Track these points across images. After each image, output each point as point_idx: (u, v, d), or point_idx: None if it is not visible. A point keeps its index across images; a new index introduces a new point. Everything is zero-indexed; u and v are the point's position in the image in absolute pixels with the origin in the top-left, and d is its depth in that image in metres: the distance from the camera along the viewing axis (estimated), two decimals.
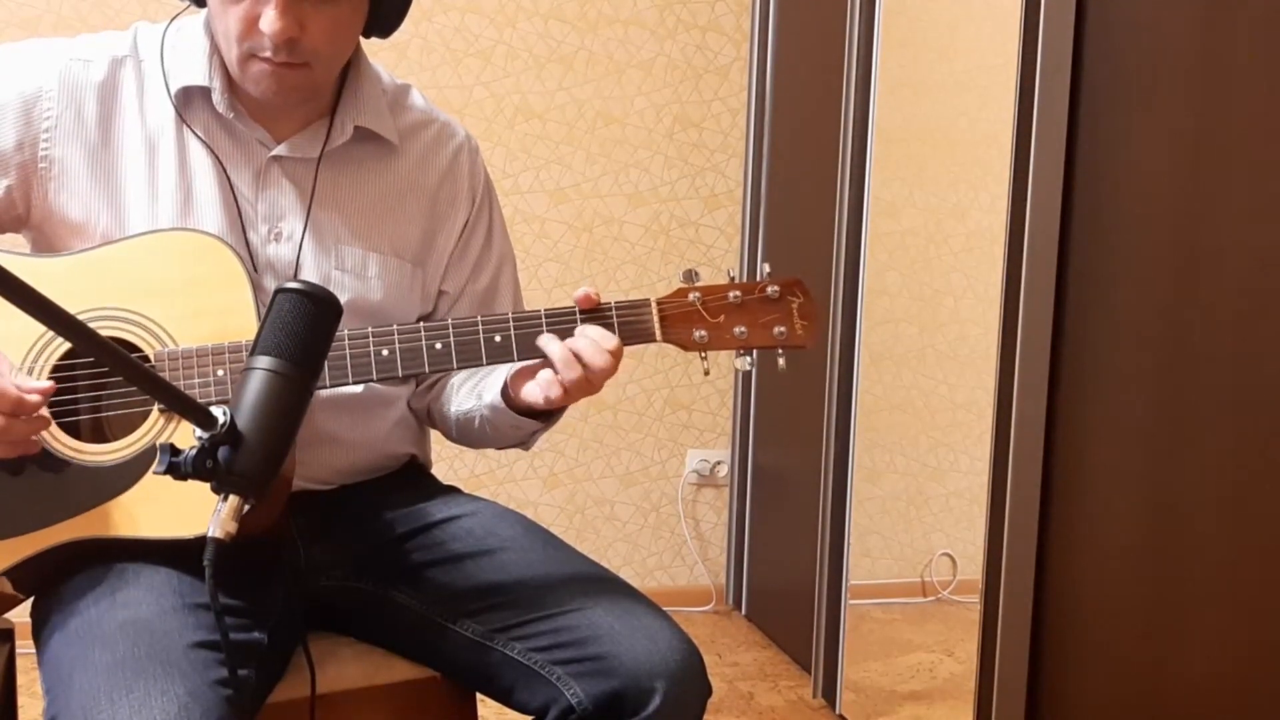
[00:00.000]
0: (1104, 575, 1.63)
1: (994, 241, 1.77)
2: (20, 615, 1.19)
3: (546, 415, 1.24)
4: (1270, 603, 1.35)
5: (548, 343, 1.14)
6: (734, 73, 2.90)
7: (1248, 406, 1.39)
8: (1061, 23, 1.66)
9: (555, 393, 1.14)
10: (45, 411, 1.07)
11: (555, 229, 2.83)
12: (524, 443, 1.31)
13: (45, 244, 1.22)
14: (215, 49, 1.20)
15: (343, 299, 1.23)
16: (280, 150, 1.23)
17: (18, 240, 1.26)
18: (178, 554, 1.10)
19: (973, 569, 1.84)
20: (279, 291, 0.85)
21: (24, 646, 1.21)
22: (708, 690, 1.16)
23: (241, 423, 0.80)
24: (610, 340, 1.14)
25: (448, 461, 2.78)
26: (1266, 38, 1.36)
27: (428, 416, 1.39)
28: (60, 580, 1.12)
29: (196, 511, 1.05)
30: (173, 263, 1.14)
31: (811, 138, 2.55)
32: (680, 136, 2.88)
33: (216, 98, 1.21)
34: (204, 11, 1.20)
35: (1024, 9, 1.69)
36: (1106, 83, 1.62)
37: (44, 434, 1.10)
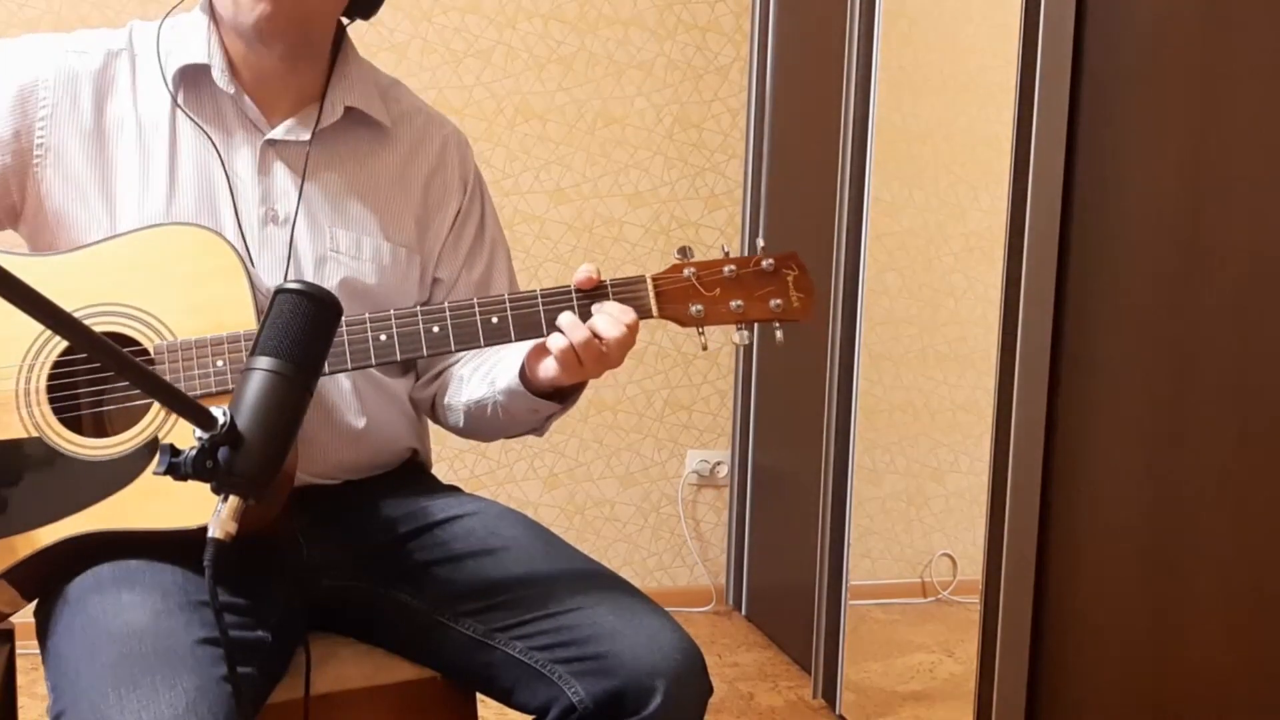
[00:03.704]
0: (1104, 575, 1.63)
1: (994, 241, 1.77)
2: (21, 616, 1.19)
3: (564, 396, 1.24)
4: (1271, 603, 1.35)
5: (565, 317, 1.15)
6: (734, 73, 2.90)
7: (1248, 406, 1.39)
8: (1061, 23, 1.66)
9: (571, 362, 1.14)
10: (44, 404, 1.08)
11: (555, 229, 2.83)
12: (538, 427, 1.31)
13: (42, 233, 1.23)
14: (215, 28, 1.23)
15: (336, 279, 1.25)
16: (274, 133, 1.25)
17: (17, 240, 1.27)
18: (182, 551, 1.09)
19: (973, 569, 1.84)
20: (279, 292, 0.85)
21: (24, 647, 1.21)
22: (708, 689, 1.16)
23: (241, 423, 0.80)
24: (628, 314, 1.14)
25: (448, 461, 2.78)
26: (1266, 38, 1.36)
27: (430, 410, 1.39)
28: (64, 579, 1.12)
29: (199, 502, 1.04)
30: (169, 257, 1.15)
31: (811, 138, 2.55)
32: (680, 136, 2.88)
33: (217, 74, 1.23)
34: (199, 8, 1.23)
35: (1024, 9, 1.69)
36: (1106, 83, 1.62)
37: (45, 430, 1.10)
